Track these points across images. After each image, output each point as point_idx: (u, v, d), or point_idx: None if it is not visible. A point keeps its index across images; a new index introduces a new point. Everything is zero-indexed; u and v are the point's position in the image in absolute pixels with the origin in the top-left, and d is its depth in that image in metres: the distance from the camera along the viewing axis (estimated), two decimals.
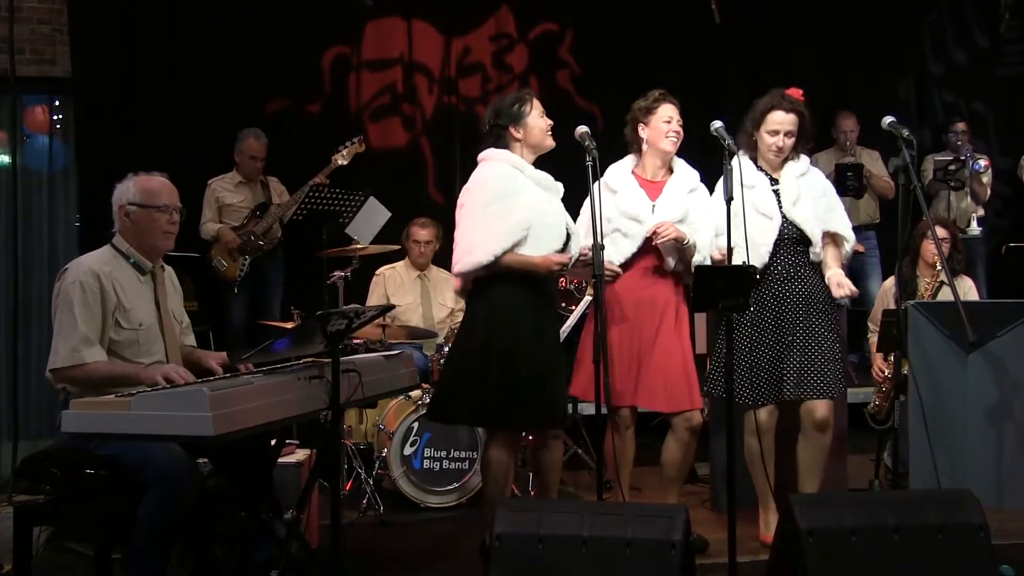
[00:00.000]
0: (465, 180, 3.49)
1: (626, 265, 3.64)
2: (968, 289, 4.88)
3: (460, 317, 5.26)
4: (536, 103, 3.46)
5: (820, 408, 3.61)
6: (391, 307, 4.19)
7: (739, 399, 3.60)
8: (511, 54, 6.55)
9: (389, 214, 5.19)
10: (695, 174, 3.77)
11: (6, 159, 5.97)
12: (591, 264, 3.31)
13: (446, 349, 4.65)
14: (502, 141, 3.44)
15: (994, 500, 4.05)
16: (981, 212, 6.49)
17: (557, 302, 4.39)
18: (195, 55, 6.05)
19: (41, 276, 5.90)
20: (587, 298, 4.90)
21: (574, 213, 3.61)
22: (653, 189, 3.69)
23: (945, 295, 4.56)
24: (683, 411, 3.62)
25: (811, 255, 3.66)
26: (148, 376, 2.88)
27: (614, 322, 3.61)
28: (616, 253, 3.61)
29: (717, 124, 3.31)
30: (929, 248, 4.64)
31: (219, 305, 5.62)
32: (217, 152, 5.77)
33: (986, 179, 6.41)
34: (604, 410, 3.26)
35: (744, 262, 3.43)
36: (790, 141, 3.66)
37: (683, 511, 2.57)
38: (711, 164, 3.69)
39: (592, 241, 3.29)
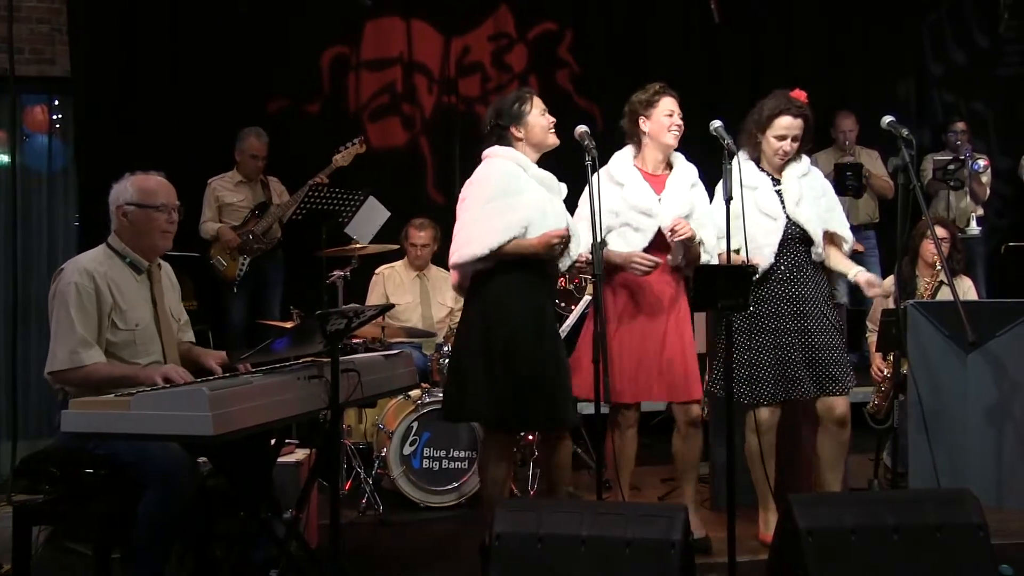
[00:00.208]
0: (465, 179, 3.49)
1: None
2: (967, 289, 4.88)
3: (459, 317, 5.30)
4: (537, 101, 3.45)
5: (840, 404, 3.66)
6: (390, 307, 4.18)
7: (742, 398, 3.61)
8: (510, 54, 6.55)
9: (388, 214, 5.19)
10: (694, 169, 3.77)
11: (5, 159, 5.97)
12: (590, 264, 3.32)
13: (445, 348, 4.66)
14: (504, 141, 3.44)
15: (993, 500, 4.05)
16: (980, 212, 6.50)
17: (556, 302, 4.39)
18: (195, 55, 6.05)
19: (40, 276, 5.89)
20: (586, 298, 4.91)
21: (572, 210, 3.60)
22: (656, 183, 3.69)
23: (944, 295, 4.56)
24: (679, 402, 3.64)
25: (813, 255, 3.69)
26: (148, 377, 2.88)
27: (621, 318, 3.61)
28: (625, 247, 3.61)
29: (716, 124, 3.30)
30: (928, 248, 4.64)
31: (218, 304, 5.62)
32: (217, 152, 5.77)
33: (985, 179, 6.42)
34: (604, 410, 3.25)
35: (743, 261, 3.43)
36: (795, 145, 3.68)
37: (683, 511, 2.57)
38: (711, 164, 3.69)
39: (591, 240, 3.28)
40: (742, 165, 3.68)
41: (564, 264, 3.50)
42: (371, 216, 5.12)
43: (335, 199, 5.02)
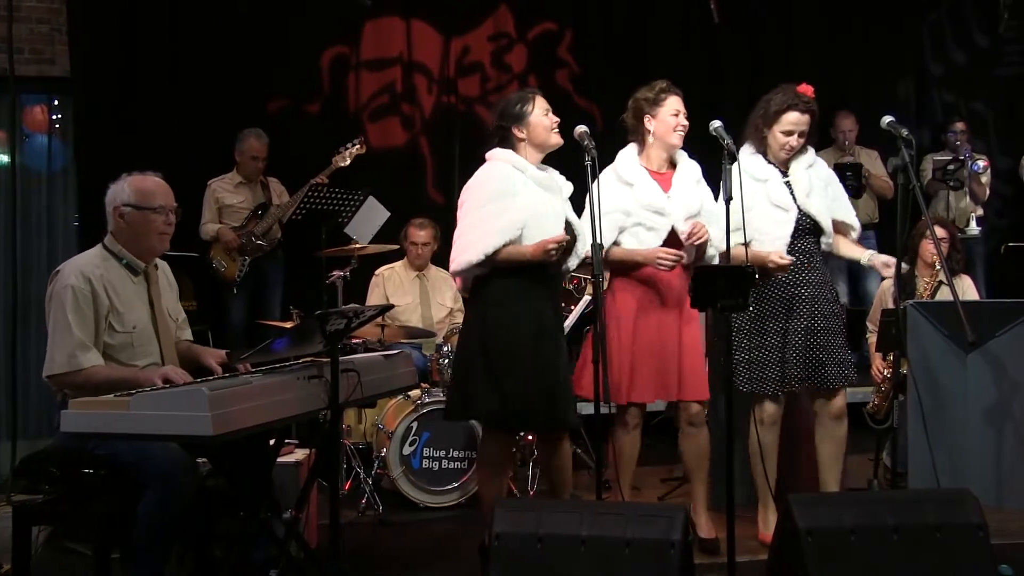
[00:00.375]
0: (464, 179, 3.50)
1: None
2: (967, 289, 4.88)
3: (459, 317, 5.31)
4: (539, 101, 3.45)
5: (838, 397, 3.69)
6: (390, 307, 4.19)
7: (747, 387, 3.64)
8: (510, 54, 6.55)
9: (388, 214, 5.19)
10: (697, 165, 3.77)
11: (5, 159, 5.97)
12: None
13: (445, 349, 4.66)
14: (507, 141, 3.45)
15: (993, 500, 4.05)
16: (980, 212, 6.50)
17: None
18: (195, 55, 6.05)
19: (40, 276, 5.87)
20: (586, 298, 4.91)
21: (579, 209, 3.59)
22: (663, 181, 3.68)
23: (944, 295, 4.56)
24: (686, 400, 3.65)
25: (823, 244, 3.72)
26: (147, 378, 2.87)
27: (637, 317, 3.60)
28: (639, 247, 3.61)
29: (716, 124, 3.30)
30: (928, 248, 4.64)
31: (218, 305, 5.62)
32: (217, 152, 5.77)
33: (985, 179, 6.42)
34: (604, 410, 3.25)
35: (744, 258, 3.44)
36: (802, 140, 3.69)
37: (682, 511, 2.57)
38: (711, 164, 3.69)
39: (592, 239, 3.28)
40: (750, 159, 3.71)
41: (572, 263, 3.50)
42: (371, 216, 5.12)
43: (335, 199, 5.02)
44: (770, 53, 6.80)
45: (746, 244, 3.51)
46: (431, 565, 3.70)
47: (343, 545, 2.96)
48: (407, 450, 4.36)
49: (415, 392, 4.39)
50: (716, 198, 3.74)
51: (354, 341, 4.56)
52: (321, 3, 6.17)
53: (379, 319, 4.47)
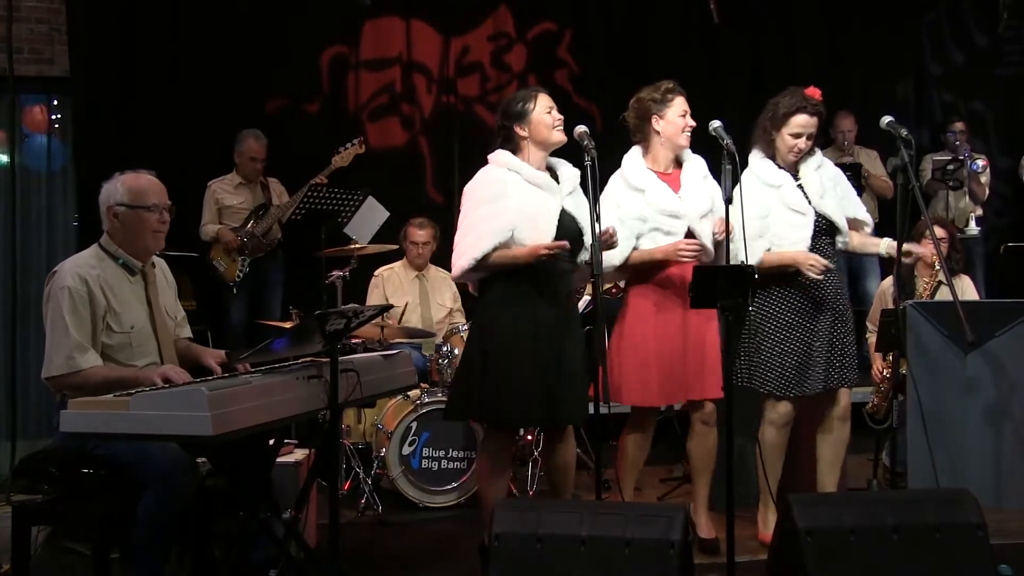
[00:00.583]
0: (464, 179, 3.52)
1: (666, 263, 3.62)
2: (967, 289, 4.88)
3: (458, 317, 5.32)
4: (542, 99, 3.45)
5: (845, 397, 3.72)
6: (389, 307, 4.19)
7: (764, 388, 3.65)
8: (510, 54, 6.55)
9: (387, 214, 5.18)
10: (702, 160, 3.75)
11: (5, 159, 5.97)
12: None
13: (444, 349, 4.66)
14: (510, 140, 3.46)
15: (993, 500, 4.05)
16: (979, 212, 6.51)
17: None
18: (195, 55, 6.05)
19: (39, 276, 5.86)
20: (585, 298, 4.90)
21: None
22: (671, 181, 3.67)
23: (943, 295, 4.56)
24: (692, 399, 3.65)
25: (838, 243, 3.73)
26: (146, 378, 2.86)
27: (654, 320, 3.59)
28: None
29: (716, 124, 3.30)
30: (928, 247, 4.64)
31: (218, 305, 5.62)
32: (216, 152, 5.77)
33: (984, 179, 6.42)
34: (604, 410, 3.24)
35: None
36: (810, 143, 3.70)
37: (682, 511, 2.57)
38: (710, 164, 3.70)
39: (592, 239, 3.27)
40: (759, 163, 3.71)
41: (585, 256, 3.46)
42: (370, 216, 5.12)
43: (334, 199, 5.02)
44: (770, 53, 6.80)
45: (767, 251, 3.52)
46: (430, 565, 3.70)
47: (342, 545, 2.96)
48: (406, 450, 4.36)
49: (414, 392, 4.39)
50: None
51: (353, 341, 4.56)
52: (321, 3, 6.17)
53: (378, 319, 4.47)
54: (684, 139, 3.65)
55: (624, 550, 2.48)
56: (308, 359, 3.07)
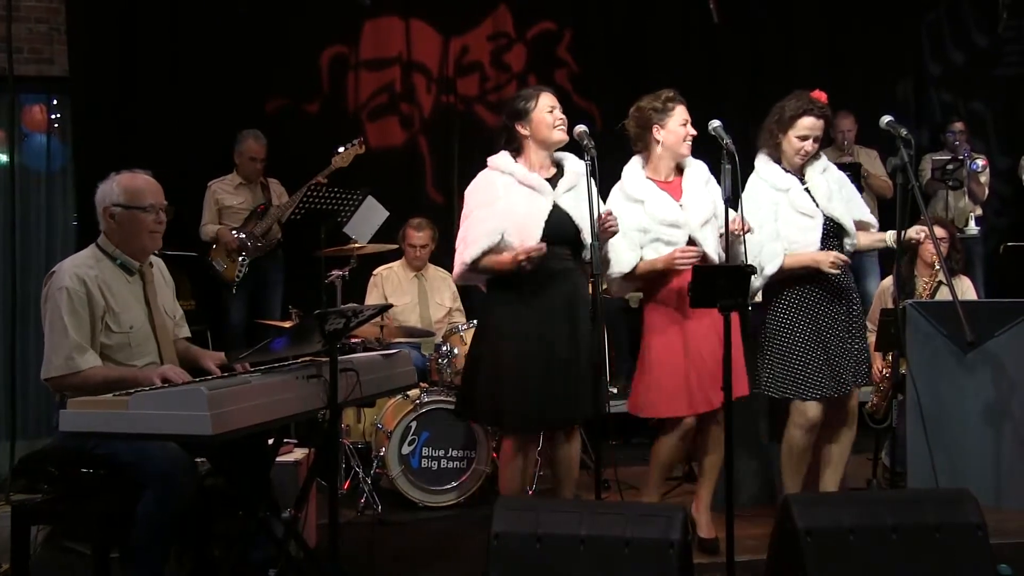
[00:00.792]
0: (463, 179, 3.57)
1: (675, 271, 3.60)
2: (966, 289, 4.88)
3: (457, 317, 5.32)
4: (544, 98, 3.47)
5: (854, 397, 3.76)
6: (389, 306, 4.19)
7: (788, 394, 3.66)
8: (509, 53, 6.54)
9: (387, 213, 5.18)
10: (703, 165, 3.75)
11: (4, 158, 5.97)
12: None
13: (444, 348, 4.66)
14: (513, 139, 3.50)
15: (992, 500, 4.06)
16: (979, 211, 6.51)
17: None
18: (194, 55, 6.04)
19: (39, 275, 5.83)
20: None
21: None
22: (672, 190, 3.67)
23: (943, 295, 4.56)
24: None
25: (847, 245, 3.74)
26: (145, 378, 2.87)
27: (680, 331, 3.57)
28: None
29: (715, 124, 3.30)
30: (927, 248, 4.64)
31: (218, 305, 5.62)
32: (216, 152, 5.76)
33: (984, 179, 6.43)
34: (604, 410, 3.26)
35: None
36: (816, 145, 3.73)
37: (681, 511, 2.57)
38: (709, 164, 3.70)
39: (592, 239, 3.27)
40: (766, 167, 3.72)
41: (585, 255, 3.47)
42: (370, 216, 5.12)
43: (334, 199, 5.02)
44: (770, 53, 6.80)
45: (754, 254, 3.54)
46: (430, 564, 3.70)
47: (342, 545, 2.96)
48: (406, 449, 4.36)
49: (414, 392, 4.39)
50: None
51: (353, 341, 4.56)
52: (320, 3, 6.17)
53: (377, 319, 4.47)
54: (685, 148, 3.65)
55: (624, 550, 2.48)
56: (307, 358, 3.07)
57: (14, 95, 5.15)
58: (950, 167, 6.23)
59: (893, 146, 3.55)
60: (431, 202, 6.34)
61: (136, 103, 5.98)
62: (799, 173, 3.74)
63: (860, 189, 5.99)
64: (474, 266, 3.38)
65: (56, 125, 6.26)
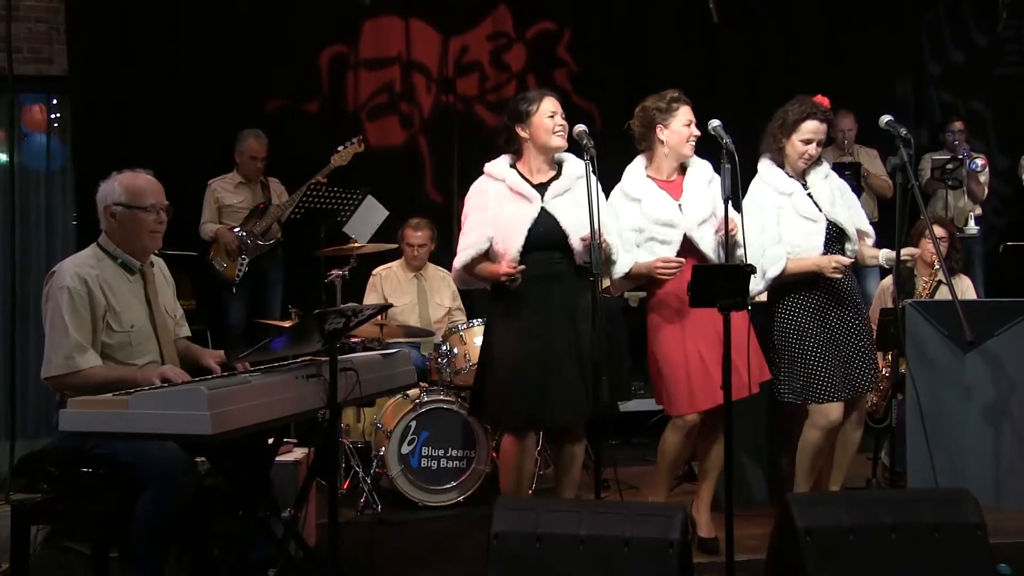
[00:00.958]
0: (462, 178, 3.60)
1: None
2: (966, 288, 4.89)
3: (457, 316, 5.32)
4: (546, 102, 3.48)
5: (862, 401, 3.78)
6: (388, 306, 4.19)
7: (807, 399, 3.66)
8: (509, 53, 6.54)
9: (387, 213, 5.18)
10: (707, 164, 3.75)
11: (4, 158, 5.97)
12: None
13: (443, 348, 4.66)
14: (512, 140, 3.53)
15: (992, 499, 4.06)
16: (979, 211, 6.51)
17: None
18: (194, 54, 6.04)
19: (39, 275, 5.86)
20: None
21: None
22: (672, 189, 3.67)
23: (943, 294, 4.57)
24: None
25: (848, 251, 3.74)
26: (145, 378, 2.87)
27: (687, 326, 3.57)
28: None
29: (715, 123, 3.31)
30: (927, 247, 4.64)
31: (218, 304, 5.62)
32: (216, 152, 5.76)
33: (983, 178, 6.43)
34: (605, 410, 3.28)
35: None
36: (819, 149, 3.74)
37: (681, 511, 2.56)
38: (711, 165, 3.70)
39: (592, 238, 3.26)
40: (769, 171, 3.73)
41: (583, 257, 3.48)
42: (369, 215, 5.12)
43: (333, 198, 5.02)
44: (770, 53, 6.79)
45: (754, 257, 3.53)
46: (430, 564, 3.70)
47: (342, 544, 2.96)
48: (406, 449, 4.36)
49: (414, 391, 4.39)
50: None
51: (352, 340, 4.56)
52: (320, 3, 6.17)
53: (377, 318, 4.47)
54: (689, 148, 3.65)
55: (623, 549, 2.48)
56: (307, 358, 3.07)
57: (14, 95, 5.16)
58: (950, 167, 6.24)
59: (893, 145, 3.56)
60: (430, 202, 6.34)
61: (136, 103, 5.97)
62: (801, 178, 3.75)
63: (860, 188, 6.02)
64: (467, 272, 3.48)
65: (56, 125, 6.25)
